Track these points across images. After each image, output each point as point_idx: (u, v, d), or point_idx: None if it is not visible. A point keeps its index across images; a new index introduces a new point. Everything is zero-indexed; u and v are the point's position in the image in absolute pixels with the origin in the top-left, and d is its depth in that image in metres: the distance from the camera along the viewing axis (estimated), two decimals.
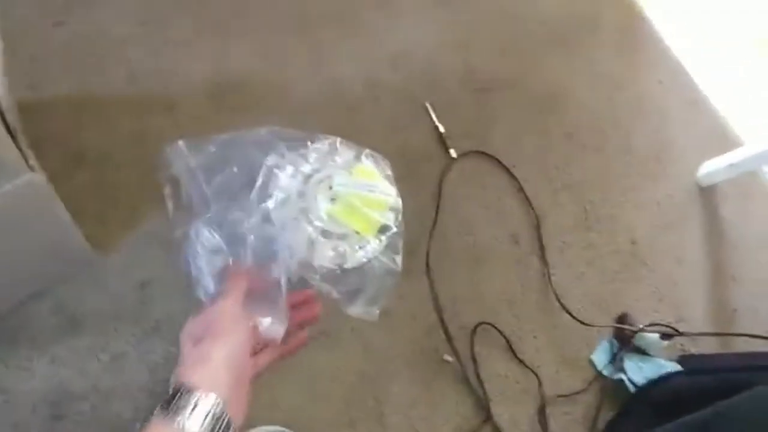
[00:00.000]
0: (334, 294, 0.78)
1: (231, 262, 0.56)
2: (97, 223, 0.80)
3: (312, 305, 0.55)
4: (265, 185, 0.85)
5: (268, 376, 0.83)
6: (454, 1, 1.25)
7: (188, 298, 0.68)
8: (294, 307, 0.54)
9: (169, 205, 0.79)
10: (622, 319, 0.98)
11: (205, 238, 0.61)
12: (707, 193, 1.16)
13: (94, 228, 0.79)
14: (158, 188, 0.72)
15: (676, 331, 0.93)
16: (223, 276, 0.54)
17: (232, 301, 0.49)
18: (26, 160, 0.55)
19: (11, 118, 0.54)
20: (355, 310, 0.81)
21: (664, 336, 0.93)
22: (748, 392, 0.59)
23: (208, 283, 0.57)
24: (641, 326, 0.94)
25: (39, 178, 0.58)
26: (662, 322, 0.97)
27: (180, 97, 1.00)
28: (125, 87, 1.00)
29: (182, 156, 0.79)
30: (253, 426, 0.77)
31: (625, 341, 0.95)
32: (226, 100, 1.02)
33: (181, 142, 0.80)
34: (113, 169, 0.90)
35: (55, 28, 1.03)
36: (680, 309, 1.03)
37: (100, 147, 0.92)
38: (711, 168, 1.13)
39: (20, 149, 0.54)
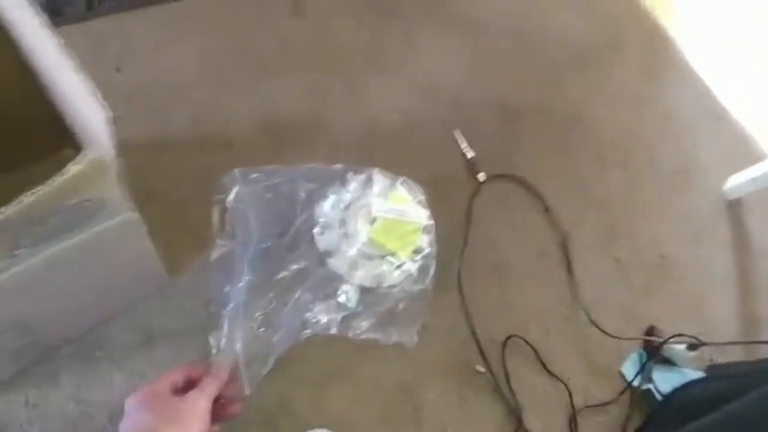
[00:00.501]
0: (371, 334, 0.87)
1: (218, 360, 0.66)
2: (168, 249, 0.90)
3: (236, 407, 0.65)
4: (311, 214, 0.95)
5: (316, 386, 0.92)
6: (473, 31, 1.31)
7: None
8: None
9: (215, 226, 0.90)
10: (649, 331, 1.01)
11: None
12: (734, 206, 1.18)
13: (165, 254, 0.89)
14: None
15: (701, 341, 0.96)
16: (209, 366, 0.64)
17: (206, 398, 0.58)
18: (126, 200, 0.66)
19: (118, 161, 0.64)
20: (393, 337, 0.89)
21: (691, 347, 0.96)
22: (757, 391, 0.63)
23: (218, 344, 0.67)
24: (667, 338, 0.97)
25: (135, 215, 0.66)
26: (689, 333, 1.00)
27: (237, 136, 1.09)
28: (186, 128, 1.09)
29: (236, 183, 0.90)
30: (303, 429, 0.86)
31: (653, 353, 0.98)
32: (276, 137, 1.11)
33: (236, 171, 0.91)
34: (180, 202, 0.99)
35: (115, 74, 1.12)
36: (707, 320, 1.06)
37: (167, 184, 1.01)
38: (736, 182, 1.16)
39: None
